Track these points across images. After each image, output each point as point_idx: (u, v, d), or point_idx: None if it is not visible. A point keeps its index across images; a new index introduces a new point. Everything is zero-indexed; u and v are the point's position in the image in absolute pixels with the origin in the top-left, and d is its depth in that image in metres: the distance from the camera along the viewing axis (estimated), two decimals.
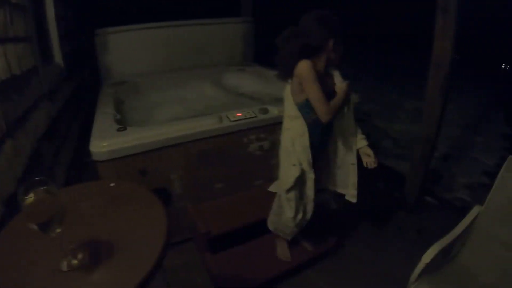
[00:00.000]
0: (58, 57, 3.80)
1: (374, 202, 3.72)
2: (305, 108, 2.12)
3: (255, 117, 2.87)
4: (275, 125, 2.85)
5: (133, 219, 1.35)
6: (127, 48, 4.17)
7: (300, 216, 2.39)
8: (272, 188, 2.97)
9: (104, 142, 2.42)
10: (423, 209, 3.66)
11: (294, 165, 2.22)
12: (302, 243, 2.80)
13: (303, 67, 1.97)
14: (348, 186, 2.52)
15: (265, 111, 2.94)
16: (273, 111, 2.96)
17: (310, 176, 2.26)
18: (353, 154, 2.41)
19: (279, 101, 2.99)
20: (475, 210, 2.54)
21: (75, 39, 4.42)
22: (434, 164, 4.41)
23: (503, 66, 10.63)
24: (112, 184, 1.62)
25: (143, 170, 2.55)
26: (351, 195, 2.51)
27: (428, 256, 2.19)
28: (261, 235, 2.81)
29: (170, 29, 4.28)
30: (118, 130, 2.57)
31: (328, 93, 2.08)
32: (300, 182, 2.28)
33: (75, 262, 1.12)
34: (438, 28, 2.99)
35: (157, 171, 2.61)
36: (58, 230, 1.06)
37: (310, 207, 2.39)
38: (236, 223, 2.72)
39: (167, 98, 3.87)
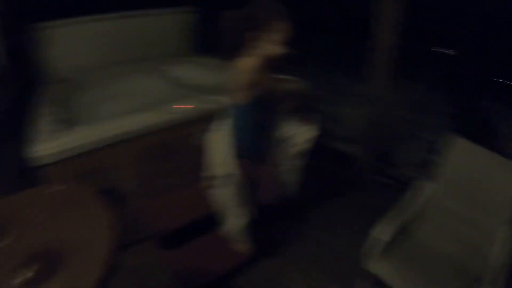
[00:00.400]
0: None
1: (328, 185, 3.78)
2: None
3: (201, 107, 2.87)
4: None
5: (83, 223, 1.32)
6: (68, 43, 3.98)
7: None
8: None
9: (48, 144, 2.32)
10: (376, 189, 3.81)
11: None
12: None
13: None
14: None
15: (211, 100, 2.93)
16: (219, 99, 2.91)
17: None
18: None
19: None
20: (426, 186, 2.72)
21: (17, 35, 4.19)
22: (383, 144, 4.52)
23: (446, 51, 11.03)
24: (59, 188, 1.56)
25: (92, 170, 2.49)
26: None
27: (383, 233, 2.32)
28: (215, 227, 2.81)
29: (112, 22, 4.13)
30: (62, 130, 2.48)
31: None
32: None
33: (28, 275, 1.07)
34: (382, 12, 3.09)
35: (107, 170, 2.55)
36: (6, 242, 1.01)
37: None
38: (193, 216, 2.73)
39: (113, 94, 3.76)
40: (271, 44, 1.94)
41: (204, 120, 2.79)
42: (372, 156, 3.61)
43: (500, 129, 6.17)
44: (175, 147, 2.81)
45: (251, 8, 1.93)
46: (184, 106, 2.79)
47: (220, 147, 2.21)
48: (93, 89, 3.84)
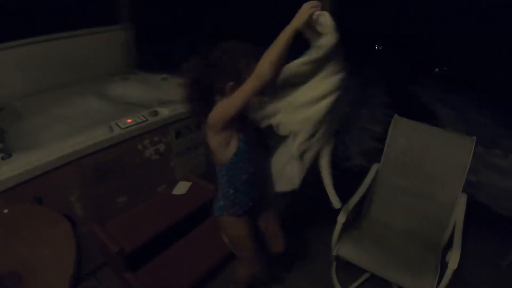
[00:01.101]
0: None
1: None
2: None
3: (146, 120, 2.76)
4: (167, 126, 2.84)
5: (36, 244, 1.22)
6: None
7: None
8: (176, 191, 2.91)
9: None
10: (336, 183, 3.77)
11: None
12: None
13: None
14: None
15: (155, 113, 2.85)
16: (163, 112, 2.89)
17: None
18: None
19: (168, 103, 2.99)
20: (374, 168, 2.83)
21: None
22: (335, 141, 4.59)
23: (376, 47, 11.50)
24: (5, 211, 1.45)
25: (38, 197, 2.33)
26: None
27: (341, 217, 2.35)
28: (178, 238, 2.77)
29: (43, 44, 3.94)
30: (2, 158, 2.30)
31: None
32: None
33: None
34: None
35: (54, 195, 2.40)
36: None
37: None
38: (148, 234, 2.61)
39: (51, 119, 3.58)
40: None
41: (150, 132, 2.75)
42: None
43: (439, 111, 6.45)
44: (125, 163, 2.70)
45: (215, 55, 1.65)
46: (127, 120, 2.69)
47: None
48: (30, 116, 3.64)
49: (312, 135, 1.68)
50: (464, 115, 6.45)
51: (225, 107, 1.58)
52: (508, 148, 5.18)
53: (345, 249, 2.40)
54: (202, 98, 1.68)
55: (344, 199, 2.40)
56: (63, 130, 3.30)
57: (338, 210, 2.25)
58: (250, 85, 1.49)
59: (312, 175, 1.85)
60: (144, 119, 2.76)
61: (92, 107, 3.80)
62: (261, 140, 1.91)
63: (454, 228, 2.39)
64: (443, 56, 10.76)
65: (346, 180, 3.76)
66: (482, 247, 3.08)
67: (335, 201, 1.92)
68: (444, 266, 2.11)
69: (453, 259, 2.03)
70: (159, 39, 11.01)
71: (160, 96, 3.87)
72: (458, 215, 2.44)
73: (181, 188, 2.99)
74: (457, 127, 5.75)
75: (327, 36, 1.43)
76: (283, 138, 1.77)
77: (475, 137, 2.50)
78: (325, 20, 1.42)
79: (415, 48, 11.33)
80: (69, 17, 5.67)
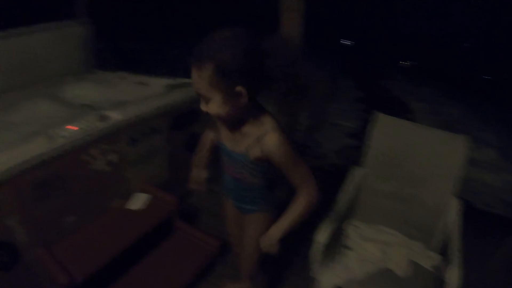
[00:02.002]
0: None
1: None
2: None
3: (93, 127, 2.31)
4: (119, 132, 2.41)
5: None
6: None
7: None
8: (131, 205, 2.47)
9: None
10: None
11: None
12: None
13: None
14: None
15: (104, 118, 2.41)
16: (114, 116, 2.45)
17: None
18: None
19: (123, 104, 2.57)
20: (355, 171, 2.49)
21: None
22: (299, 136, 4.21)
23: (342, 41, 11.28)
24: None
25: None
26: None
27: (321, 236, 1.99)
28: (138, 261, 2.40)
29: None
30: None
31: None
32: None
33: None
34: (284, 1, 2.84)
35: None
36: None
37: None
38: (103, 258, 2.19)
39: (27, 118, 3.13)
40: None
41: (99, 140, 2.29)
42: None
43: (411, 104, 6.18)
44: (70, 178, 2.24)
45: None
46: (70, 127, 2.23)
47: None
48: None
49: None
50: (437, 108, 6.21)
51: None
52: (482, 140, 4.92)
53: (323, 273, 2.05)
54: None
55: (322, 202, 2.07)
56: (7, 139, 2.85)
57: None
58: None
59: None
60: (91, 125, 2.32)
61: (42, 111, 3.33)
62: None
63: (448, 238, 2.08)
64: (410, 49, 10.57)
65: (321, 181, 3.45)
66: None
67: None
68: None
69: (452, 280, 1.72)
70: (120, 36, 10.56)
71: (118, 97, 3.45)
72: (452, 224, 2.13)
73: (138, 201, 2.57)
74: (431, 120, 5.48)
75: None
76: None
77: (467, 136, 2.18)
78: None
79: (382, 42, 11.14)
80: (19, 12, 5.16)
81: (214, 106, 1.32)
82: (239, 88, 1.26)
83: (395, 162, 2.37)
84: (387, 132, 2.38)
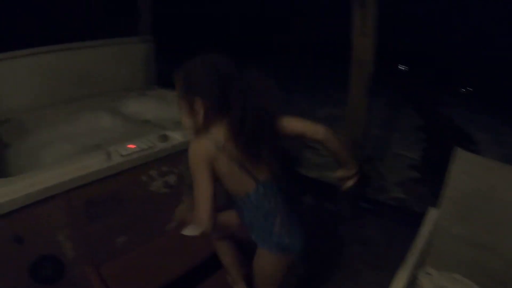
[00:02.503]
0: None
1: (305, 220, 3.15)
2: None
3: (153, 147, 2.16)
4: (180, 154, 2.21)
5: None
6: (8, 79, 3.28)
7: None
8: (187, 231, 2.29)
9: None
10: (361, 217, 3.21)
11: None
12: None
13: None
14: None
15: (165, 138, 2.24)
16: (175, 137, 2.29)
17: None
18: None
19: (179, 124, 2.38)
20: (431, 214, 2.20)
21: None
22: (364, 167, 3.95)
23: (399, 67, 10.85)
24: None
25: (17, 236, 1.79)
26: None
27: (398, 284, 1.72)
28: None
29: (56, 54, 3.48)
30: None
31: None
32: None
33: None
34: (356, 24, 2.63)
35: (38, 234, 1.85)
36: None
37: None
38: (153, 283, 2.01)
39: (57, 136, 3.08)
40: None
41: (158, 160, 2.14)
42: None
43: (474, 135, 5.75)
44: (126, 198, 2.11)
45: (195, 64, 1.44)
46: (130, 145, 2.09)
47: None
48: (35, 131, 3.20)
49: None
50: (500, 138, 5.72)
51: None
52: None
53: None
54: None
55: (384, 242, 1.83)
56: (66, 149, 2.82)
57: None
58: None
59: None
60: (151, 145, 2.17)
61: (103, 124, 3.29)
62: None
63: None
64: (469, 75, 10.02)
65: (383, 216, 3.19)
66: None
67: None
68: None
69: None
70: (182, 54, 10.57)
71: (176, 116, 3.33)
72: None
73: (194, 227, 2.35)
74: (496, 153, 5.03)
75: None
76: None
77: None
78: None
79: (440, 67, 10.63)
80: (86, 27, 5.22)
81: (183, 116, 1.45)
82: (198, 102, 1.34)
83: (475, 205, 2.04)
84: (468, 171, 2.05)
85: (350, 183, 1.58)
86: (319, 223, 3.12)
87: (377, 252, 2.10)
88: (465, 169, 2.08)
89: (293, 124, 1.47)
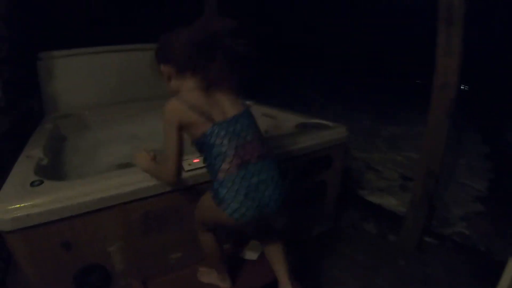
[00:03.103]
0: None
1: (366, 250, 2.91)
2: None
3: None
4: None
5: None
6: (74, 75, 3.34)
7: None
8: (246, 254, 2.12)
9: (8, 205, 1.54)
10: (423, 252, 2.93)
11: None
12: None
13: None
14: None
15: None
16: None
17: None
18: None
19: None
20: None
21: (20, 63, 3.48)
22: (429, 196, 3.66)
23: (462, 87, 10.08)
24: None
25: (66, 242, 1.67)
26: None
27: None
28: None
29: (125, 54, 3.48)
30: (32, 184, 1.70)
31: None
32: None
33: None
34: (441, 44, 2.40)
35: (87, 242, 1.73)
36: None
37: None
38: None
39: (116, 136, 3.03)
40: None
41: None
42: (423, 215, 2.75)
43: None
44: (185, 213, 1.93)
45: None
46: (196, 160, 1.93)
47: None
48: (95, 128, 3.18)
49: None
50: None
51: None
52: None
53: None
54: None
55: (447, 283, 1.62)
56: (124, 151, 2.71)
57: None
58: None
59: None
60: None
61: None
62: None
63: None
64: None
65: (447, 255, 2.88)
66: None
67: None
68: None
69: None
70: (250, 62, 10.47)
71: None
72: None
73: (254, 251, 2.16)
74: None
75: None
76: None
77: None
78: None
79: (505, 86, 9.81)
80: (154, 28, 5.16)
81: (165, 81, 1.69)
82: (168, 68, 1.60)
83: None
84: None
85: None
86: (378, 255, 2.86)
87: None
88: None
89: None
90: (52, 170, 2.16)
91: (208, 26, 1.49)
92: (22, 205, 1.55)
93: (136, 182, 1.73)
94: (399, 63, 9.67)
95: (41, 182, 1.72)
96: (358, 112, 6.73)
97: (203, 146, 1.56)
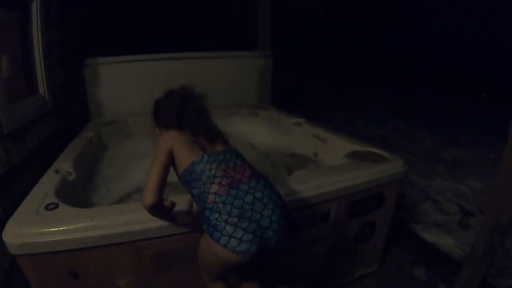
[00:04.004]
0: (42, 88, 2.87)
1: None
2: None
3: None
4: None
5: None
6: (120, 82, 3.31)
7: None
8: None
9: (18, 229, 1.47)
10: None
11: None
12: None
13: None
14: None
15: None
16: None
17: None
18: None
19: (293, 158, 2.36)
20: None
21: (69, 69, 3.46)
22: (499, 234, 3.22)
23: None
24: None
25: (73, 272, 1.57)
26: None
27: None
28: None
29: (172, 62, 3.39)
30: (47, 207, 1.62)
31: None
32: None
33: None
34: None
35: (95, 274, 1.60)
36: None
37: None
38: None
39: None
40: None
41: None
42: (485, 266, 2.35)
43: None
44: (195, 254, 1.66)
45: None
46: None
47: None
48: (136, 138, 3.12)
49: None
50: None
51: None
52: None
53: None
54: None
55: None
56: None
57: None
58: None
59: None
60: None
61: None
62: None
63: None
64: None
65: None
66: None
67: None
68: None
69: None
70: (300, 72, 10.27)
71: (287, 145, 3.03)
72: None
73: None
74: None
75: None
76: None
77: None
78: None
79: None
80: (205, 37, 5.04)
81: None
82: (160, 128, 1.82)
83: None
84: None
85: None
86: None
87: None
88: None
89: None
90: (77, 186, 2.10)
91: (178, 93, 1.76)
92: (31, 231, 1.47)
93: (148, 220, 1.56)
94: (464, 77, 9.01)
95: (56, 206, 1.63)
96: (419, 130, 6.26)
97: (191, 175, 1.51)
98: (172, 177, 1.58)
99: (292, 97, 6.17)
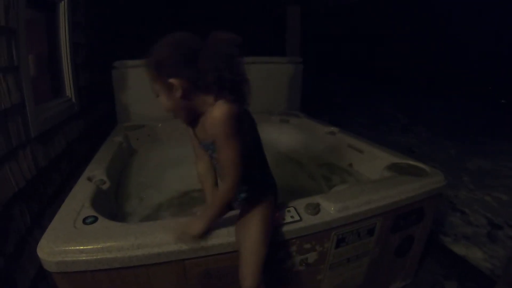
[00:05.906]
0: (69, 89, 2.81)
1: None
2: None
3: (299, 220, 1.59)
4: (329, 231, 1.67)
5: None
6: (148, 85, 3.09)
7: None
8: None
9: (54, 246, 1.32)
10: None
11: None
12: None
13: None
14: None
15: (315, 208, 1.64)
16: (328, 208, 1.69)
17: None
18: None
19: (329, 168, 2.27)
20: None
21: (96, 71, 3.38)
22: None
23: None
24: None
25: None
26: None
27: None
28: None
29: None
30: (85, 221, 1.47)
31: None
32: None
33: None
34: None
35: None
36: None
37: None
38: None
39: (188, 155, 2.73)
40: None
41: (302, 237, 1.63)
42: None
43: None
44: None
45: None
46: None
47: None
48: (167, 143, 3.02)
49: None
50: None
51: None
52: None
53: None
54: None
55: None
56: (194, 175, 2.40)
57: None
58: None
59: None
60: (297, 218, 1.60)
61: None
62: None
63: None
64: None
65: None
66: None
67: None
68: None
69: None
70: (324, 78, 10.17)
71: (318, 155, 2.86)
72: None
73: None
74: None
75: None
76: None
77: None
78: None
79: None
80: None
81: (163, 100, 1.35)
82: (171, 80, 1.25)
83: None
84: None
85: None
86: None
87: None
88: None
89: None
90: (111, 195, 1.96)
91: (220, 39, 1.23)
92: (69, 248, 1.32)
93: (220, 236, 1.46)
94: (482, 83, 8.84)
95: (95, 220, 1.49)
96: (443, 138, 6.07)
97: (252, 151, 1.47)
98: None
99: (315, 101, 6.02)
